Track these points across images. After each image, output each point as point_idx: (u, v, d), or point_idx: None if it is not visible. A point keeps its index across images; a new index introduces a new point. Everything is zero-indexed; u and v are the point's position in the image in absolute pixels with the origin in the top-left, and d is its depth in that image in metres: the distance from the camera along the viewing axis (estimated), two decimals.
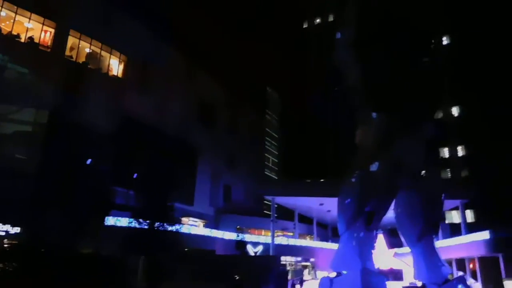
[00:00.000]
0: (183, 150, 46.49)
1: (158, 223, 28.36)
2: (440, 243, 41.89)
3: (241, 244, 38.63)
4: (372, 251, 17.46)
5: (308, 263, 49.44)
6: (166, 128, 44.76)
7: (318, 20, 62.50)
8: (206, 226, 48.83)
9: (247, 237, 47.44)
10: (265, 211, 61.32)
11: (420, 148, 18.55)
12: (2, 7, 33.75)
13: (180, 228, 33.60)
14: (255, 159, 62.82)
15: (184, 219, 47.20)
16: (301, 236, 54.77)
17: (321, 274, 46.92)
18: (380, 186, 16.98)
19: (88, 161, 31.23)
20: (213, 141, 53.40)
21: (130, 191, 35.84)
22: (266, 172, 67.11)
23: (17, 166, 30.93)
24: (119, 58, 41.83)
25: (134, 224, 28.81)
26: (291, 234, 52.56)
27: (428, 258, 17.77)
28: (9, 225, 30.69)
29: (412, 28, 19.64)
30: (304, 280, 43.40)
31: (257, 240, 47.27)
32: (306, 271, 48.09)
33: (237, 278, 25.00)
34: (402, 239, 19.12)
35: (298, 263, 48.98)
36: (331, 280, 16.85)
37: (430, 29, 20.23)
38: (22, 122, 32.70)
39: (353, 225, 16.82)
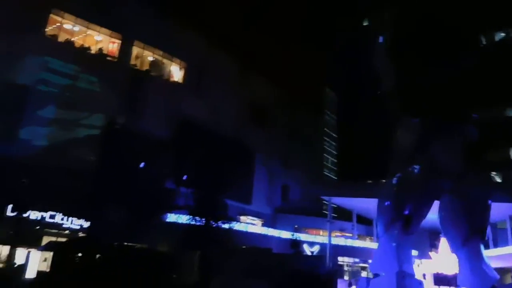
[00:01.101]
0: (239, 151, 48.07)
1: (212, 220, 29.87)
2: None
3: (296, 243, 39.30)
4: (411, 254, 17.48)
5: (366, 265, 48.87)
6: (222, 130, 46.62)
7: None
8: (263, 225, 49.98)
9: (304, 237, 47.98)
10: (323, 211, 61.35)
11: (461, 151, 18.13)
12: (75, 23, 37.29)
13: (233, 225, 35.07)
14: (313, 159, 63.03)
15: (242, 218, 48.78)
16: (361, 237, 54.21)
17: None
18: (417, 190, 16.91)
19: (142, 165, 33.45)
20: (271, 142, 54.47)
21: (188, 190, 37.42)
22: (325, 172, 67.03)
23: (88, 166, 33.92)
24: (179, 64, 44.29)
25: (190, 221, 30.62)
26: (350, 235, 52.23)
27: (473, 263, 17.31)
28: (83, 220, 33.62)
29: (452, 30, 19.33)
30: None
31: (314, 240, 47.64)
32: (364, 273, 47.63)
33: (282, 275, 25.73)
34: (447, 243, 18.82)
35: (356, 264, 48.64)
36: (368, 280, 17.17)
37: (470, 29, 19.69)
38: (92, 127, 35.80)
39: (391, 228, 16.92)
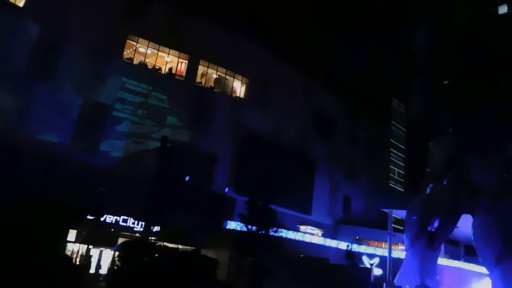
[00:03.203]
0: (300, 162, 49.63)
1: (269, 229, 31.75)
2: None
3: (351, 255, 39.85)
4: (435, 268, 17.94)
5: None
6: (285, 142, 48.54)
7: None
8: (323, 235, 50.83)
9: (364, 249, 48.06)
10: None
11: (500, 170, 18.21)
12: (148, 46, 41.56)
13: (286, 234, 36.58)
14: (378, 171, 62.57)
15: (302, 227, 50.12)
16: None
17: None
18: (444, 206, 17.29)
19: (187, 178, 36.16)
20: (333, 153, 55.28)
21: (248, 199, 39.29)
22: (391, 184, 66.06)
23: (157, 176, 37.43)
24: (241, 80, 47.08)
25: (245, 228, 32.83)
26: None
27: (507, 282, 17.34)
28: (151, 224, 37.13)
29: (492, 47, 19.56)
30: None
31: (374, 252, 47.53)
32: None
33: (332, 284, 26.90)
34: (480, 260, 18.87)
35: None
36: None
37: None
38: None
39: (417, 243, 17.53)
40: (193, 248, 34.26)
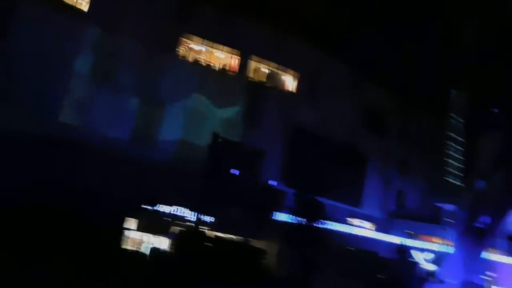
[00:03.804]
0: (350, 156, 49.55)
1: (318, 221, 32.51)
2: None
3: (402, 249, 39.58)
4: (480, 264, 17.92)
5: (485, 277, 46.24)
6: (335, 136, 48.62)
7: None
8: (376, 229, 50.63)
9: (418, 244, 47.45)
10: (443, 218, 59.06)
11: None
12: (202, 44, 43.30)
13: (335, 226, 37.08)
14: (433, 165, 60.81)
15: (352, 220, 50.20)
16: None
17: None
18: (492, 204, 17.19)
19: (235, 172, 37.34)
20: (385, 148, 54.58)
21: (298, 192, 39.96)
22: (448, 178, 63.98)
23: (212, 169, 38.93)
24: (293, 75, 47.71)
25: (297, 221, 33.77)
26: None
27: None
28: (204, 215, 38.95)
29: None
30: None
31: (427, 247, 46.83)
32: None
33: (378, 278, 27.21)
34: None
35: None
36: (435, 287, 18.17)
37: None
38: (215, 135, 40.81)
39: (464, 239, 17.60)
40: (242, 238, 35.72)
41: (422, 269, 35.52)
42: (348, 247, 40.93)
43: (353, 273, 29.09)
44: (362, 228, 48.18)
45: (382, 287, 27.26)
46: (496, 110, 19.73)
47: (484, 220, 17.62)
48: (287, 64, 46.80)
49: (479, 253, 18.01)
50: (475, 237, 17.73)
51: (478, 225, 17.67)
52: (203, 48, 43.38)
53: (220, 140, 34.73)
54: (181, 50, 42.33)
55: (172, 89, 40.32)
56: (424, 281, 30.56)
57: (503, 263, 45.45)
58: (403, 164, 56.91)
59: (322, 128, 47.31)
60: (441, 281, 18.18)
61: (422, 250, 45.78)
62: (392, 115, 56.52)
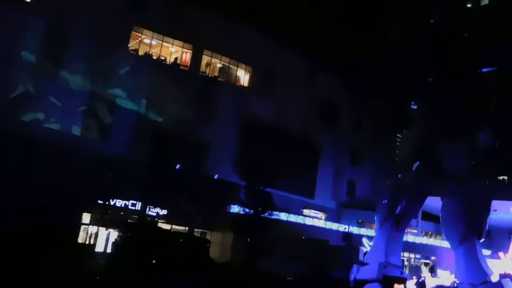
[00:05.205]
0: (303, 148, 50.89)
1: (260, 211, 33.49)
2: None
3: (348, 236, 41.39)
4: (400, 248, 19.46)
5: (428, 261, 49.18)
6: (289, 129, 49.73)
7: None
8: (327, 218, 52.39)
9: (366, 231, 49.52)
10: None
11: (467, 156, 19.44)
12: (153, 37, 43.06)
13: (287, 217, 38.32)
14: (383, 155, 63.31)
15: (305, 211, 51.75)
16: (427, 234, 54.14)
17: (442, 273, 46.52)
18: (411, 191, 18.69)
19: (178, 166, 37.88)
20: (337, 139, 56.28)
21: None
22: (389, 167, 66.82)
23: (165, 163, 39.17)
24: (245, 69, 48.34)
25: (243, 211, 34.63)
26: (415, 231, 52.52)
27: (468, 260, 18.92)
28: (158, 208, 39.17)
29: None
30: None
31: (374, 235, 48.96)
32: (424, 268, 48.12)
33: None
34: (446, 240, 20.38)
35: (418, 260, 49.17)
36: (358, 268, 19.57)
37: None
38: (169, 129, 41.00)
39: (385, 224, 19.05)
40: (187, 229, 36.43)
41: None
42: (300, 236, 42.34)
43: (299, 259, 30.32)
44: (315, 219, 49.66)
45: (324, 271, 28.60)
46: (415, 107, 21.21)
47: (402, 207, 19.07)
48: (240, 57, 47.36)
49: (398, 237, 19.48)
50: (394, 222, 19.15)
51: (397, 211, 19.09)
52: (154, 42, 43.17)
53: (169, 134, 34.96)
54: (132, 43, 41.97)
55: (123, 81, 40.08)
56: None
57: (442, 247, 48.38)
58: (355, 155, 58.89)
59: (275, 120, 48.31)
60: (365, 264, 19.48)
61: (370, 237, 47.87)
62: (345, 106, 58.16)
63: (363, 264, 19.91)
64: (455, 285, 19.27)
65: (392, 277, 17.13)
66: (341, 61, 55.41)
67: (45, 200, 29.66)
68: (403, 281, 15.83)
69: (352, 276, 19.96)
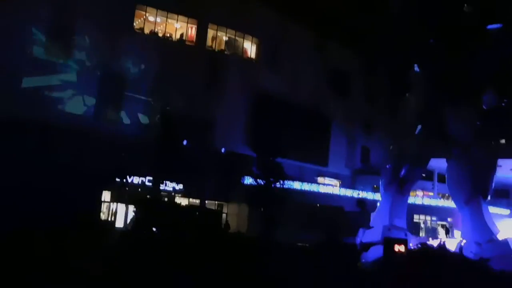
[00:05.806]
0: (314, 118, 50.80)
1: (271, 182, 33.99)
2: None
3: (362, 202, 41.76)
4: (404, 211, 19.73)
5: (444, 222, 49.40)
6: (299, 100, 49.41)
7: None
8: (342, 186, 52.75)
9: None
10: None
11: (472, 118, 19.28)
12: (157, 14, 43.03)
13: (300, 186, 38.87)
14: (396, 120, 62.79)
15: (319, 179, 52.16)
16: (444, 196, 54.04)
17: (458, 233, 46.72)
18: (412, 156, 18.75)
19: (184, 142, 38.36)
20: (349, 106, 55.82)
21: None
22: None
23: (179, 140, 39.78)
24: (252, 41, 47.98)
25: (255, 183, 35.24)
26: (431, 194, 52.64)
27: (474, 220, 19.10)
28: (174, 183, 40.13)
29: None
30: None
31: None
32: (441, 230, 48.37)
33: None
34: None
35: (434, 222, 49.48)
36: (364, 231, 19.93)
37: None
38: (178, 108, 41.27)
39: (389, 189, 19.27)
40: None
41: None
42: (315, 204, 42.91)
43: (312, 227, 30.78)
44: (330, 186, 50.08)
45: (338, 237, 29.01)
46: (417, 70, 20.97)
47: (405, 171, 19.22)
48: (246, 30, 46.96)
49: (402, 201, 19.72)
50: (398, 186, 19.37)
51: (400, 175, 19.25)
52: (159, 19, 43.15)
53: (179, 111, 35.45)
54: (137, 22, 42.04)
55: (130, 61, 40.41)
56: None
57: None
58: (368, 122, 58.51)
59: (284, 91, 48.03)
60: (370, 227, 19.86)
61: None
62: (357, 76, 57.38)
63: (368, 227, 20.31)
64: (462, 244, 19.49)
65: (393, 238, 17.45)
66: (348, 27, 54.43)
67: (67, 182, 30.63)
68: (403, 242, 16.14)
69: (358, 240, 20.37)
